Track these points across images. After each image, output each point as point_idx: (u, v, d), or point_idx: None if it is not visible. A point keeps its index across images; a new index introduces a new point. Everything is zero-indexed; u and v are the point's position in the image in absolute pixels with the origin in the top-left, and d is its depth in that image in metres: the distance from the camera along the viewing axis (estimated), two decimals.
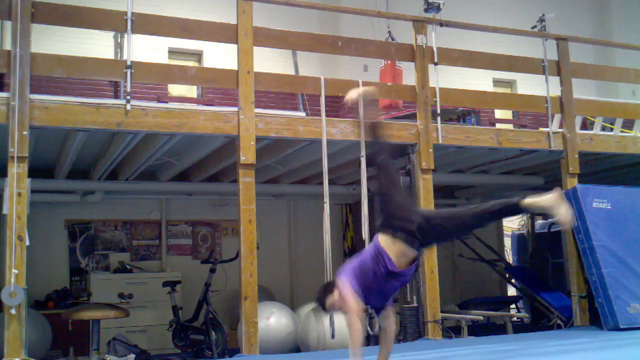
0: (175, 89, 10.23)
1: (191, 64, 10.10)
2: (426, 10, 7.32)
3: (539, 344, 6.20)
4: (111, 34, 9.29)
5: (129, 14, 5.87)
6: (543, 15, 8.04)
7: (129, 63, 5.83)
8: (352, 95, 4.68)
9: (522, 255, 12.87)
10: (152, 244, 9.67)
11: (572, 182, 7.62)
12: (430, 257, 6.74)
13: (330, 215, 6.52)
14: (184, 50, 10.07)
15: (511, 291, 12.11)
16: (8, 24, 6.32)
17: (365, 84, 6.87)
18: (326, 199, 6.53)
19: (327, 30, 9.44)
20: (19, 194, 5.21)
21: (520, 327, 9.72)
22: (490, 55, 7.75)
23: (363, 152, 6.68)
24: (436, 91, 7.05)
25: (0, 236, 6.08)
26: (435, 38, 7.16)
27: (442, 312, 6.81)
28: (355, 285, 4.01)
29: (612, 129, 8.59)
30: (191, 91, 10.38)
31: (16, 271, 5.09)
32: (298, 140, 6.84)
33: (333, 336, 6.52)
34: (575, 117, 7.87)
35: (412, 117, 7.22)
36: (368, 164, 6.84)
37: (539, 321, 9.86)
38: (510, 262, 12.74)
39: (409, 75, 7.73)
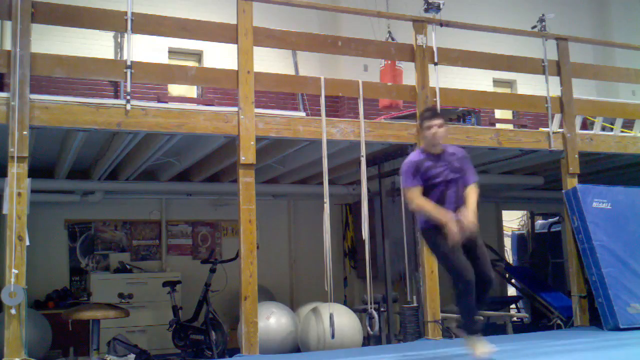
0: (175, 89, 10.23)
1: (191, 64, 10.10)
2: (426, 10, 7.31)
3: (539, 344, 6.19)
4: (111, 34, 9.30)
5: (129, 14, 5.86)
6: (543, 15, 8.03)
7: (129, 63, 5.82)
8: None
9: (522, 255, 12.89)
10: (152, 244, 9.68)
11: (572, 182, 7.62)
12: (430, 258, 6.74)
13: (330, 215, 6.51)
14: (184, 50, 10.07)
15: (511, 291, 12.11)
16: (8, 24, 6.31)
17: (365, 84, 6.89)
18: (326, 199, 6.53)
19: (327, 30, 9.44)
20: (19, 194, 5.21)
21: (520, 327, 9.72)
22: (490, 55, 7.75)
23: (363, 152, 6.69)
24: (436, 91, 7.05)
25: (0, 236, 6.08)
26: (435, 38, 7.16)
27: (442, 312, 6.81)
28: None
29: (612, 129, 8.59)
30: (191, 91, 10.38)
31: (16, 271, 5.09)
32: (298, 140, 6.84)
33: (333, 336, 6.52)
34: (575, 117, 7.87)
35: (412, 117, 7.22)
36: (368, 165, 6.86)
37: (539, 321, 9.86)
38: (510, 262, 12.76)
39: (409, 75, 7.72)
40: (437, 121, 4.79)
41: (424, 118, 4.88)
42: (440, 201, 4.73)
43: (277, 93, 9.78)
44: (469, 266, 4.60)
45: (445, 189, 4.78)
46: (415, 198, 4.74)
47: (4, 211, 5.21)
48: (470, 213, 4.62)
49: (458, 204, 4.73)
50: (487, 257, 4.83)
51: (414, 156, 4.93)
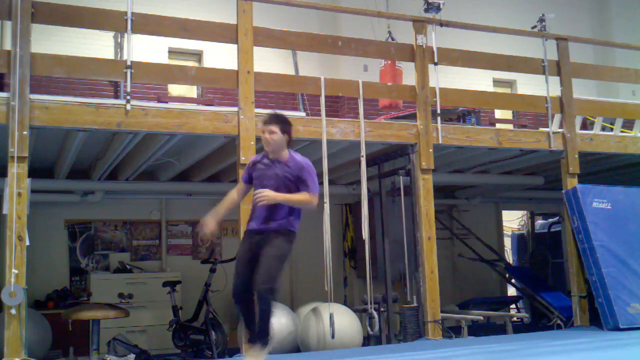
0: (175, 89, 10.23)
1: (191, 64, 10.09)
2: (426, 10, 7.32)
3: (539, 344, 6.20)
4: (111, 34, 9.29)
5: (129, 14, 5.87)
6: (543, 15, 8.04)
7: (129, 63, 5.83)
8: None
9: (522, 255, 12.89)
10: (152, 244, 9.67)
11: (572, 182, 7.62)
12: (430, 257, 6.74)
13: (330, 215, 6.52)
14: (184, 50, 10.07)
15: (511, 291, 12.12)
16: (8, 24, 6.32)
17: (365, 84, 6.89)
18: (326, 199, 6.52)
19: (327, 30, 9.43)
20: (19, 194, 5.21)
21: (520, 327, 9.73)
22: (490, 55, 7.75)
23: (363, 152, 6.69)
24: (436, 91, 7.05)
25: (0, 236, 6.08)
26: (435, 38, 7.16)
27: (442, 312, 6.81)
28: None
29: (612, 129, 8.59)
30: (191, 91, 10.38)
31: (16, 271, 5.09)
32: (298, 140, 6.84)
33: (333, 336, 6.52)
34: (575, 117, 7.87)
35: (412, 117, 7.23)
36: (368, 165, 6.86)
37: (539, 321, 9.87)
38: (510, 262, 12.76)
39: (409, 75, 7.73)
40: (269, 127, 4.65)
41: (262, 121, 4.76)
42: (254, 206, 4.71)
43: (277, 93, 9.77)
44: (239, 279, 4.60)
45: None
46: (229, 192, 4.90)
47: (4, 211, 5.22)
48: (272, 193, 4.58)
49: (270, 214, 4.70)
50: (266, 268, 4.51)
51: (256, 155, 4.95)
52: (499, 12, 12.07)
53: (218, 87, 9.34)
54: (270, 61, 9.27)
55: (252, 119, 6.15)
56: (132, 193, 9.24)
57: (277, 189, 4.66)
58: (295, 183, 4.71)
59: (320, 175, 6.86)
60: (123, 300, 8.17)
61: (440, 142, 7.00)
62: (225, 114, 6.18)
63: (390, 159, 7.72)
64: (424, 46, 7.10)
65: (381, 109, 8.89)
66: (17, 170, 5.25)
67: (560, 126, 7.82)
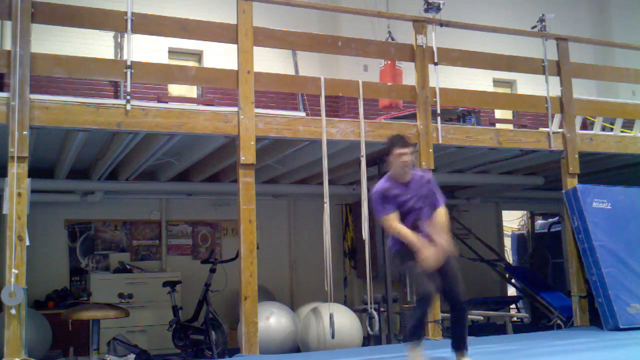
0: (175, 89, 10.23)
1: (191, 64, 10.10)
2: (426, 10, 7.32)
3: (539, 344, 6.20)
4: (111, 34, 9.30)
5: (129, 14, 5.87)
6: (543, 15, 8.04)
7: (129, 63, 5.83)
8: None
9: (522, 255, 12.90)
10: (152, 244, 9.67)
11: (572, 182, 7.62)
12: None
13: (330, 215, 6.51)
14: (184, 50, 10.07)
15: (511, 291, 12.12)
16: (8, 24, 6.32)
17: (365, 84, 6.89)
18: (326, 199, 6.53)
19: (327, 30, 9.44)
20: (19, 194, 5.21)
21: (520, 327, 9.73)
22: (490, 55, 7.75)
23: (363, 152, 6.69)
24: (436, 91, 7.05)
25: (0, 236, 6.08)
26: (435, 38, 7.16)
27: (442, 312, 6.81)
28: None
29: (612, 129, 8.59)
30: (191, 91, 10.38)
31: (16, 271, 5.09)
32: (298, 140, 6.84)
33: (333, 336, 6.52)
34: (575, 117, 7.87)
35: (412, 117, 7.23)
36: (368, 165, 6.86)
37: (539, 321, 9.87)
38: (510, 262, 12.76)
39: (409, 75, 7.72)
40: (408, 149, 4.75)
41: (395, 145, 4.77)
42: (413, 229, 4.71)
43: (277, 93, 9.78)
44: (433, 285, 4.70)
45: (417, 217, 4.77)
46: (392, 225, 4.74)
47: (4, 211, 5.22)
48: (446, 237, 4.63)
49: (429, 230, 4.74)
50: (459, 279, 4.83)
51: (381, 184, 4.87)
52: (499, 12, 12.07)
53: (218, 87, 9.35)
54: (270, 61, 9.28)
55: (252, 119, 6.15)
56: (132, 193, 9.24)
57: (420, 209, 4.78)
58: (430, 197, 4.86)
59: (320, 175, 6.90)
60: (123, 300, 8.18)
61: (440, 142, 7.00)
62: (225, 114, 6.17)
63: None
64: (424, 46, 7.10)
65: (381, 109, 8.89)
66: (17, 170, 5.25)
67: (560, 126, 7.82)
